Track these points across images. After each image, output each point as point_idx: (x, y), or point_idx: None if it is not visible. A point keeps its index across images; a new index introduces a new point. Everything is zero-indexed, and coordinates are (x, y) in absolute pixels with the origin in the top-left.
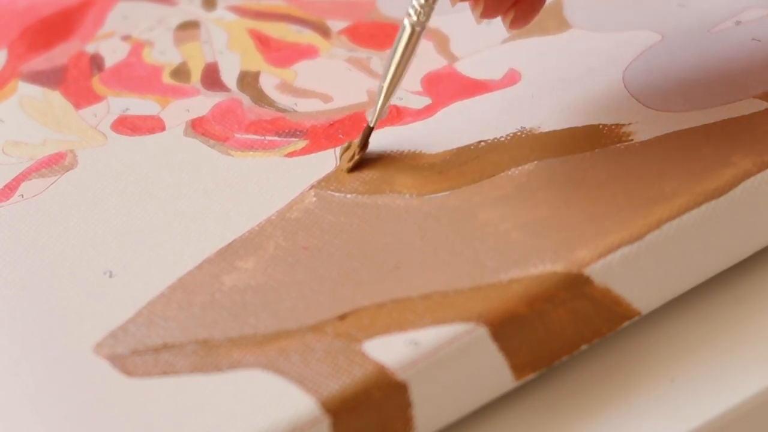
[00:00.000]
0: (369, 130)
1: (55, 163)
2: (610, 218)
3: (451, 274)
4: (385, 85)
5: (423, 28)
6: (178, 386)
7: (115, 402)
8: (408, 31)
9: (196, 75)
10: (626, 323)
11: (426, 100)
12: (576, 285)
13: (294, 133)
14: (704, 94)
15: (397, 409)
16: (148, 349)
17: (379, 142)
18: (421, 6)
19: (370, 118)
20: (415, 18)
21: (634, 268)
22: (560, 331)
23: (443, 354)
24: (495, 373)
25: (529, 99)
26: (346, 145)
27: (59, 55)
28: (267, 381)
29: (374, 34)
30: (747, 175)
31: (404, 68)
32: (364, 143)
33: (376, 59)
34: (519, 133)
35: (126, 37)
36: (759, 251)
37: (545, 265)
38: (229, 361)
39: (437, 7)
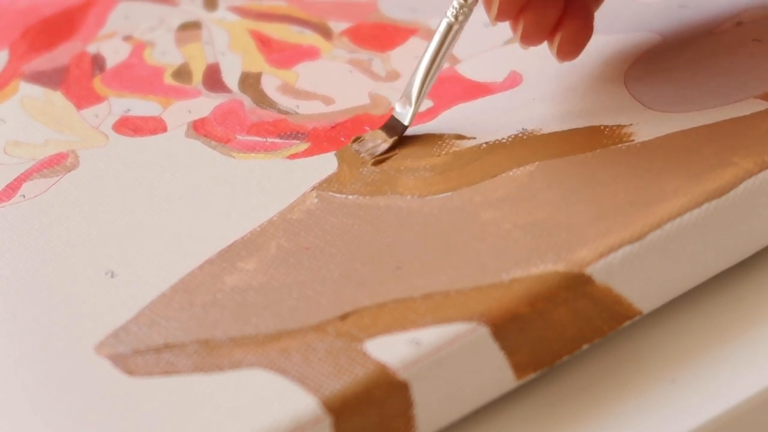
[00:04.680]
0: (403, 129)
1: (57, 164)
2: (612, 218)
3: (452, 274)
4: (417, 82)
5: (461, 27)
6: (180, 386)
7: (116, 401)
8: (444, 28)
9: (197, 76)
10: (627, 323)
11: (428, 103)
12: (577, 284)
13: (296, 135)
14: (705, 95)
15: (398, 409)
16: (149, 348)
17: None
18: (461, 6)
19: (405, 118)
20: (453, 18)
21: (636, 268)
22: (561, 331)
23: (444, 353)
24: (496, 372)
25: (531, 101)
26: (367, 136)
27: (61, 55)
28: (268, 380)
29: (376, 35)
30: (748, 174)
31: (438, 66)
32: (396, 142)
33: (378, 61)
34: (520, 135)
35: (127, 38)
36: (761, 250)
37: (546, 265)
38: (231, 361)
39: (440, 7)
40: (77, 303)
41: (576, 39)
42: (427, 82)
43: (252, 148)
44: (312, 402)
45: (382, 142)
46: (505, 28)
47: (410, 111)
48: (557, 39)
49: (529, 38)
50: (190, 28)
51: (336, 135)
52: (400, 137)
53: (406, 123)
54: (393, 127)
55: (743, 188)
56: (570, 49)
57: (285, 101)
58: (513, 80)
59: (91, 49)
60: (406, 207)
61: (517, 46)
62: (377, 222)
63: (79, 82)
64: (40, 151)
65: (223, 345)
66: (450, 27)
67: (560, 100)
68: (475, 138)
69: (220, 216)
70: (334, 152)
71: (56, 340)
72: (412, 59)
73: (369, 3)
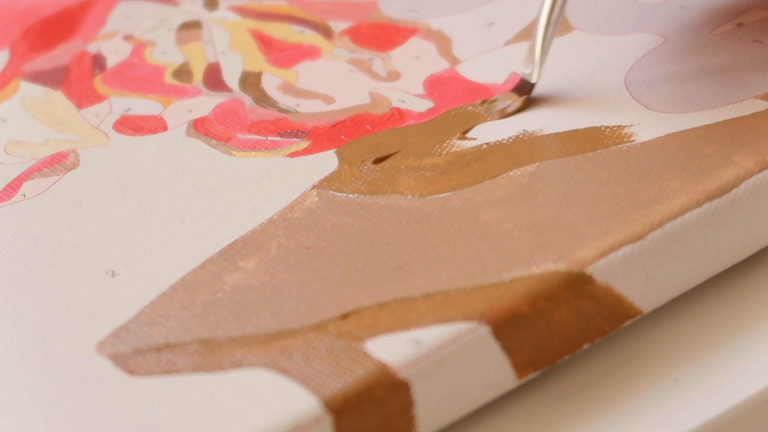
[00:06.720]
0: (531, 87)
1: (58, 163)
2: (612, 217)
3: (453, 273)
4: (538, 40)
5: None
6: (181, 385)
7: (117, 401)
8: None
9: (198, 75)
10: (628, 322)
11: (429, 104)
12: (578, 284)
13: (296, 133)
14: (706, 96)
15: (399, 408)
16: (150, 348)
17: (382, 142)
18: None
19: (531, 76)
20: None
21: (636, 267)
22: (562, 330)
23: (445, 353)
24: (497, 371)
25: (532, 103)
26: (498, 96)
27: (61, 54)
28: (269, 380)
29: (376, 35)
30: (749, 174)
31: (556, 21)
32: (526, 101)
33: (378, 61)
34: (521, 136)
35: (128, 37)
36: (761, 250)
37: (547, 264)
38: (232, 361)
39: (440, 7)
40: (78, 302)
41: None
42: (547, 39)
43: (252, 147)
44: (313, 401)
45: (512, 102)
46: (505, 28)
47: (536, 69)
48: None
49: None
50: (191, 27)
51: (336, 133)
52: (529, 95)
53: (533, 81)
54: (521, 88)
55: (744, 188)
56: None
57: (285, 100)
58: (514, 82)
59: (92, 48)
60: (406, 206)
61: (517, 47)
62: (378, 221)
63: (79, 81)
64: (40, 150)
65: (223, 344)
66: None
67: (561, 101)
68: (476, 138)
69: (220, 215)
70: (334, 150)
71: (57, 340)
72: (413, 59)
73: (369, 3)
